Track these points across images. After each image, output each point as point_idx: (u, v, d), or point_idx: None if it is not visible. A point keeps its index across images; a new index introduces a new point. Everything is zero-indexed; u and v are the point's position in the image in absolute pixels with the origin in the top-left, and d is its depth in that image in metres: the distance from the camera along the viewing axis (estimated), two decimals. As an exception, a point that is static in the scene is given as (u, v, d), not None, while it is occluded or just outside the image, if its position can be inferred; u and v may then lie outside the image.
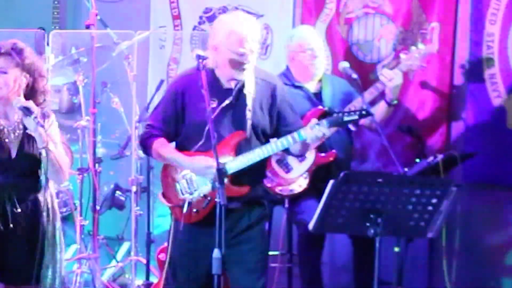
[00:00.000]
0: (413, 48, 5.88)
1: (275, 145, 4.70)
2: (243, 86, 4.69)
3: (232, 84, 4.70)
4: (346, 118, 4.68)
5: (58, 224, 4.57)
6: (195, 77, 4.59)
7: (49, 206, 4.49)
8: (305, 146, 4.79)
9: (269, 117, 4.77)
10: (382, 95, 5.85)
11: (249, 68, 4.66)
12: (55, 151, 4.35)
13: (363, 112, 4.69)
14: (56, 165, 4.37)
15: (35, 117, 4.26)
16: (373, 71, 6.55)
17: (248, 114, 4.68)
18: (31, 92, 4.42)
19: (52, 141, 4.36)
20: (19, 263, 4.40)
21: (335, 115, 4.69)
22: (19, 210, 4.38)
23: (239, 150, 4.68)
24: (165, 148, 4.75)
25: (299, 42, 5.94)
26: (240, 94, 4.70)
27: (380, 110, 5.82)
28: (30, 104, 4.30)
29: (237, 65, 4.63)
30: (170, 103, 4.74)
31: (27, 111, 4.28)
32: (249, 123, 4.69)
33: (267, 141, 4.78)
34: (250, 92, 4.70)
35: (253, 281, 4.73)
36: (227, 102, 4.67)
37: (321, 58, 5.95)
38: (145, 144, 4.81)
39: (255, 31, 4.65)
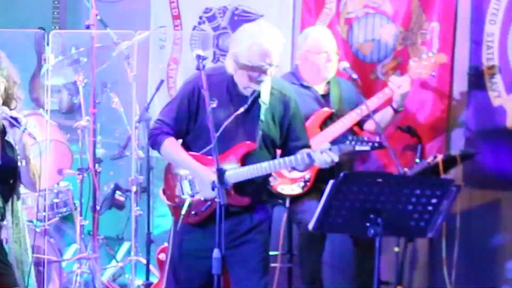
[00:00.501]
0: (423, 56, 5.88)
1: (283, 162, 4.69)
2: (258, 95, 4.69)
3: (248, 92, 4.69)
4: (358, 148, 4.70)
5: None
6: (211, 79, 4.58)
7: (19, 214, 4.47)
8: (310, 165, 4.79)
9: (279, 129, 4.76)
10: (388, 100, 5.84)
11: (266, 80, 4.65)
12: (33, 161, 4.33)
13: (376, 144, 4.71)
14: (35, 175, 4.36)
15: (25, 129, 4.23)
16: (373, 71, 6.55)
17: (260, 125, 4.68)
18: (5, 98, 4.39)
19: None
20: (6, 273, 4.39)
21: (347, 142, 4.70)
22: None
23: (246, 160, 4.68)
24: (176, 149, 4.75)
25: (315, 43, 5.90)
26: (254, 103, 4.69)
27: (386, 115, 5.82)
28: (19, 115, 4.27)
29: (255, 76, 4.61)
30: (185, 102, 4.72)
31: (15, 122, 4.24)
32: (260, 134, 4.69)
33: (275, 151, 4.78)
34: (264, 102, 4.69)
35: (256, 281, 4.73)
36: (241, 109, 4.67)
37: (334, 62, 5.92)
38: (155, 140, 4.79)
39: (277, 44, 4.62)
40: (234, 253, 4.65)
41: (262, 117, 4.68)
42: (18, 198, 4.41)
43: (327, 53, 5.88)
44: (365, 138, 4.73)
